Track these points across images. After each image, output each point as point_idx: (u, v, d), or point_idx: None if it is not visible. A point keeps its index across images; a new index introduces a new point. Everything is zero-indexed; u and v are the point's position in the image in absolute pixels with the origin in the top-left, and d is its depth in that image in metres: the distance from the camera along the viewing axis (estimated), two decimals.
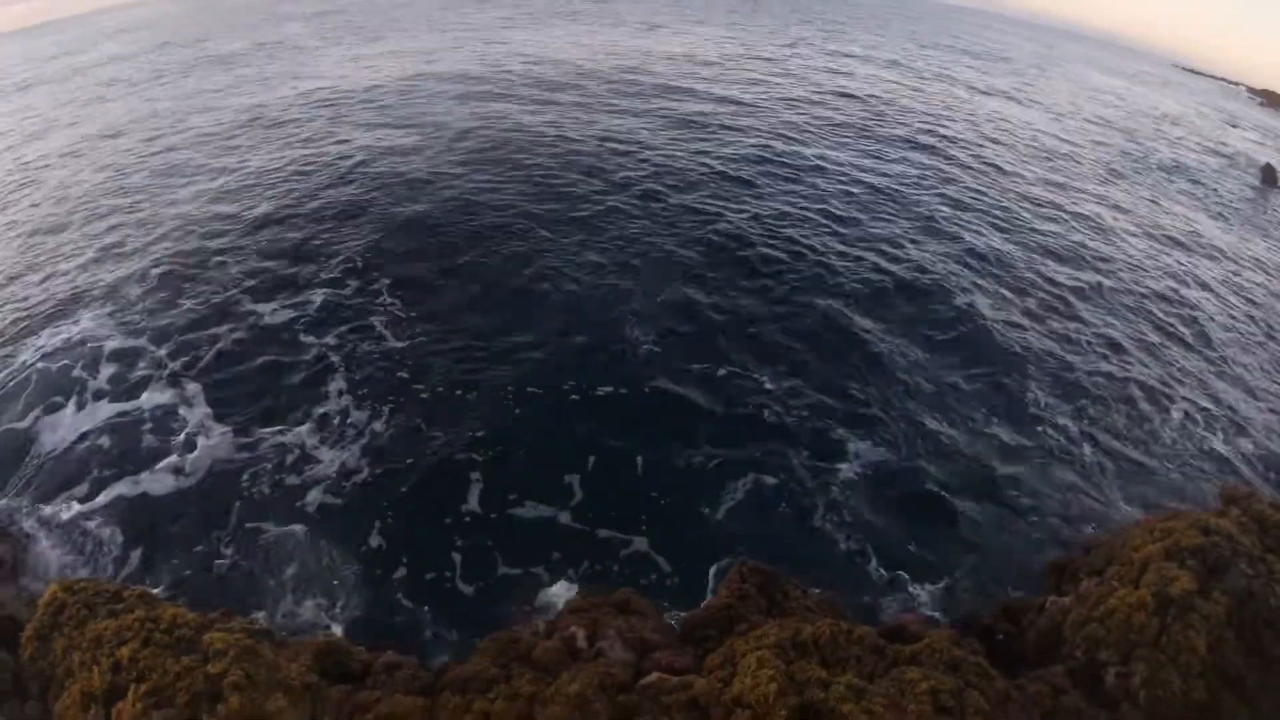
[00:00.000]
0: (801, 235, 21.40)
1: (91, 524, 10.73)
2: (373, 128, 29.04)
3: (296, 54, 46.36)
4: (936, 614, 9.89)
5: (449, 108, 31.75)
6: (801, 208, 23.46)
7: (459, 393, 13.71)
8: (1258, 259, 28.64)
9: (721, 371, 14.95)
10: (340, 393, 13.55)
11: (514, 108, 31.46)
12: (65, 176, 25.48)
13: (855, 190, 25.76)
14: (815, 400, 14.35)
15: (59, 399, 13.34)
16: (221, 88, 37.55)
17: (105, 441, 12.52)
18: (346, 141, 27.22)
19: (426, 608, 9.81)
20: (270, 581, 10.08)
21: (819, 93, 39.59)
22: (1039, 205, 27.96)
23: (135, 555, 10.43)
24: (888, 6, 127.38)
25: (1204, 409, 16.63)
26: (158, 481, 11.66)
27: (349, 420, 12.95)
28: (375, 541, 10.88)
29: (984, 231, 24.08)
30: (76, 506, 11.06)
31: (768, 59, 48.68)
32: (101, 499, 11.35)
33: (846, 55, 56.38)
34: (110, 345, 14.84)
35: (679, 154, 26.71)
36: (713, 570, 10.53)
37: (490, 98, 33.32)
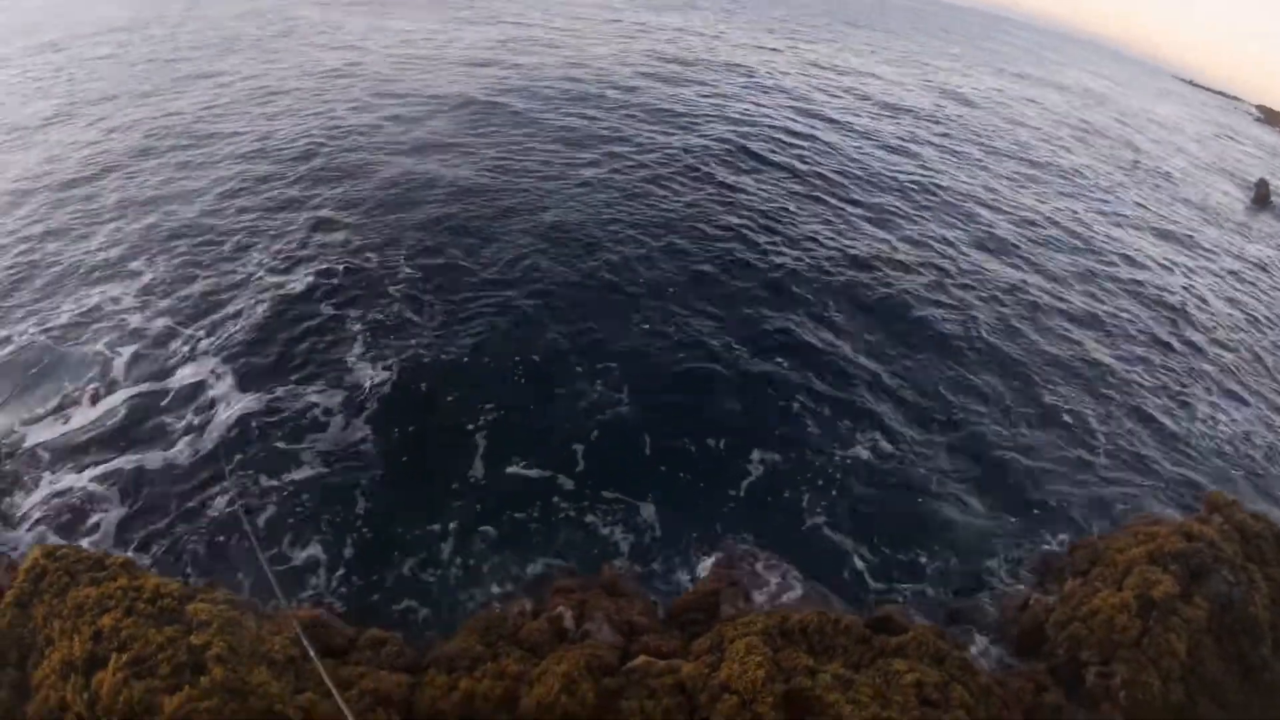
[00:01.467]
0: (823, 228, 21.33)
1: (95, 490, 10.65)
2: (398, 100, 28.68)
3: (319, 24, 45.60)
4: (920, 607, 9.94)
5: (475, 82, 31.51)
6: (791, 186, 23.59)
7: (471, 365, 13.70)
8: (1245, 268, 28.97)
9: (738, 357, 14.98)
10: (357, 361, 13.53)
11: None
12: (87, 140, 24.65)
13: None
14: (825, 391, 14.42)
15: (79, 366, 13.24)
16: (252, 53, 36.83)
17: (123, 407, 12.41)
18: (370, 113, 26.97)
19: (416, 584, 9.73)
20: (266, 551, 9.81)
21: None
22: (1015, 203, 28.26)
23: (129, 522, 10.31)
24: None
25: (1193, 416, 16.80)
26: (163, 450, 11.56)
27: (363, 389, 12.93)
28: (372, 513, 10.84)
29: (964, 228, 24.25)
30: (80, 474, 10.95)
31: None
32: (110, 464, 11.24)
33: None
34: (131, 311, 14.71)
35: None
36: (699, 555, 10.52)
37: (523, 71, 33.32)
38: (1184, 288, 24.57)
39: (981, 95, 52.33)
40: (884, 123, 35.93)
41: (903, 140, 33.18)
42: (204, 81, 31.74)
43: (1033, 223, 26.86)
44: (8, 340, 13.87)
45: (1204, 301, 23.93)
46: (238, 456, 11.43)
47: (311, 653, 4.65)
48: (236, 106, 28.17)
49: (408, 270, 16.47)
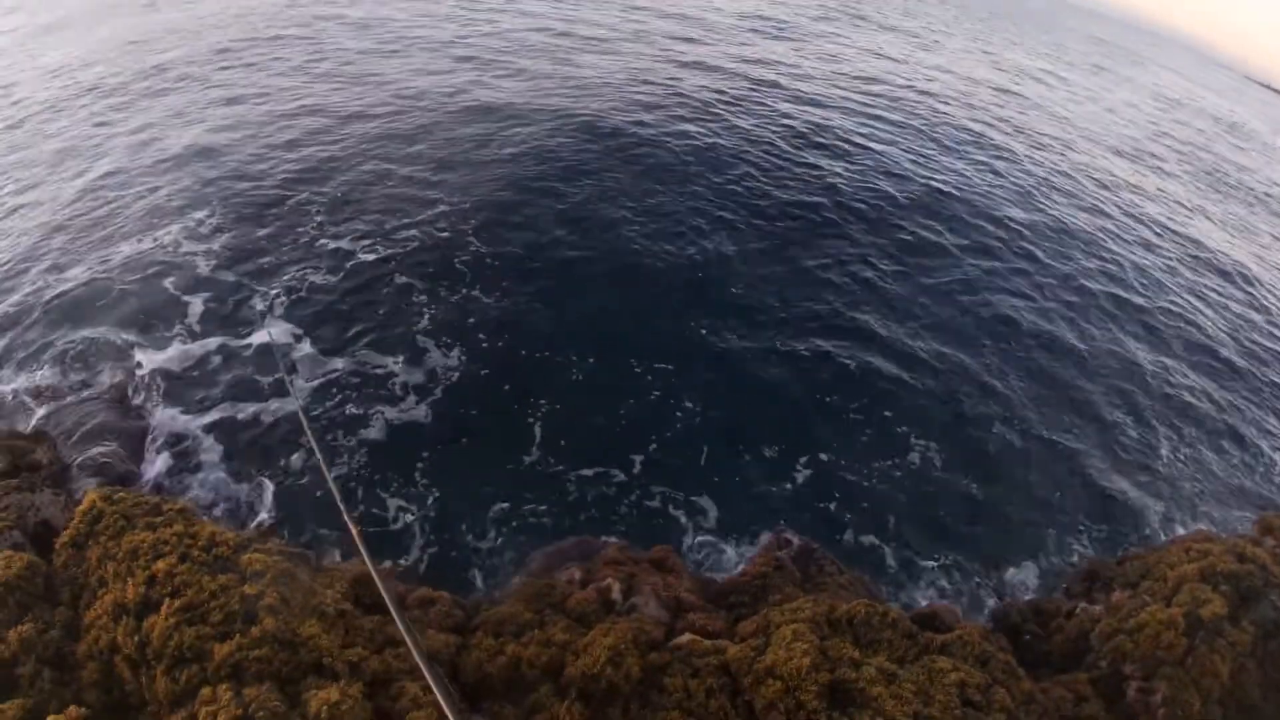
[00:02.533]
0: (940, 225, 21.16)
1: (168, 433, 11.01)
2: (481, 66, 28.28)
3: None
4: (966, 606, 9.86)
5: (551, 61, 30.65)
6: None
7: (533, 349, 13.76)
8: None
9: (807, 350, 14.95)
10: (424, 336, 13.68)
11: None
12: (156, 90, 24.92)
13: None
14: (884, 389, 14.37)
15: (146, 317, 13.57)
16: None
17: (203, 355, 12.80)
18: (448, 78, 26.58)
19: (467, 550, 9.85)
20: (326, 509, 10.24)
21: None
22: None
23: (197, 469, 10.67)
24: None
25: (1262, 433, 16.46)
26: (236, 402, 11.94)
27: (428, 364, 13.08)
28: (429, 482, 11.04)
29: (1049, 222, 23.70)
30: (156, 417, 11.32)
31: None
32: (186, 409, 11.63)
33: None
34: (198, 263, 14.96)
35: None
36: (748, 538, 10.55)
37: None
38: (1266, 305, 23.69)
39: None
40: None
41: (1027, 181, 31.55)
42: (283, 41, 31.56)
43: (1105, 213, 26.26)
44: (78, 278, 14.26)
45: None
46: (314, 413, 11.76)
47: (391, 608, 4.65)
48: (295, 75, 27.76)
49: (477, 245, 16.28)
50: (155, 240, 15.74)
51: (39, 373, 11.52)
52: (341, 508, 5.47)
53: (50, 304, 13.93)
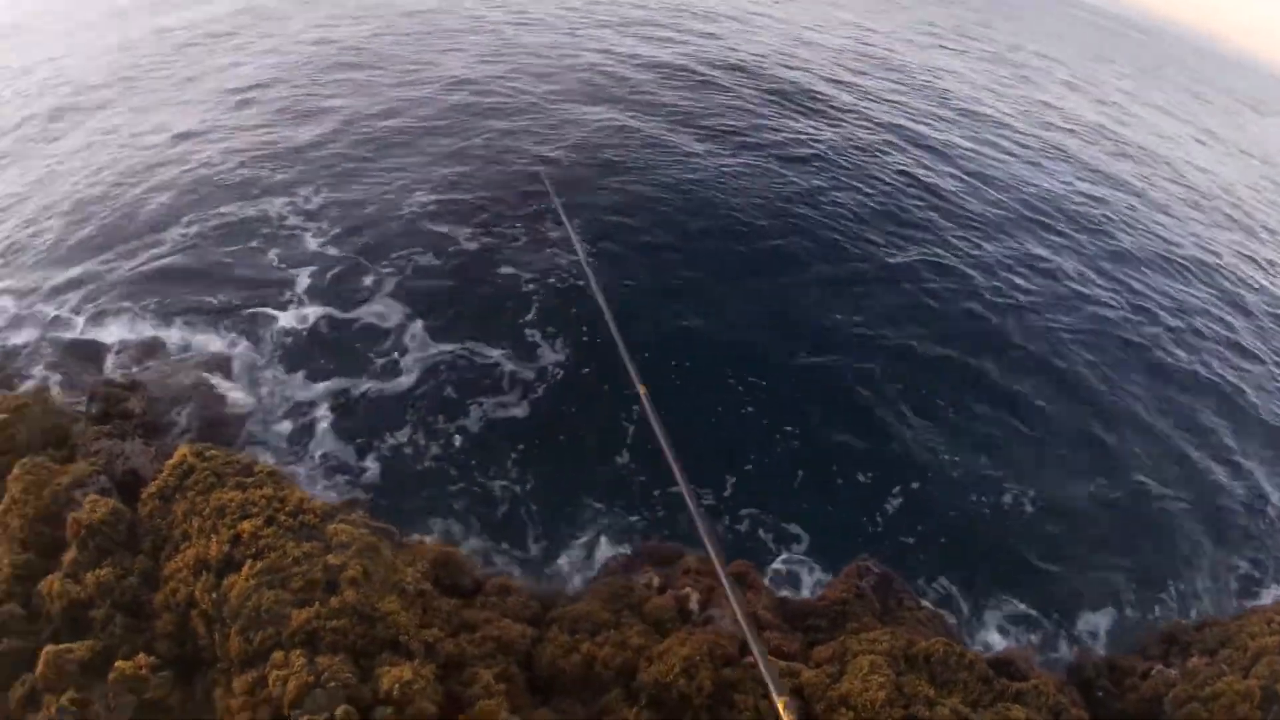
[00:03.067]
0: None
1: (275, 398, 11.33)
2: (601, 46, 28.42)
3: None
4: (1042, 655, 9.65)
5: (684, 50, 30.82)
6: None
7: (634, 350, 13.56)
8: None
9: (913, 381, 14.64)
10: (528, 329, 13.81)
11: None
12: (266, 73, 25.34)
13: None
14: (984, 429, 14.10)
15: (251, 284, 13.92)
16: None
17: (314, 325, 13.16)
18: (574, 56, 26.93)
19: (549, 543, 9.93)
20: (418, 488, 10.52)
21: None
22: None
23: (299, 434, 10.95)
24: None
25: None
26: (350, 377, 12.23)
27: (531, 357, 13.22)
28: (521, 473, 11.17)
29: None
30: (266, 381, 11.65)
31: None
32: (293, 375, 11.95)
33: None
34: (304, 236, 15.29)
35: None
36: (830, 564, 10.42)
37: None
38: None
39: None
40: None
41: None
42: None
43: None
44: (190, 244, 14.71)
45: None
46: (419, 393, 12.02)
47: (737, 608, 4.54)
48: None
49: (589, 242, 16.12)
50: (259, 209, 16.14)
51: (139, 326, 11.86)
52: (686, 496, 5.32)
53: (155, 263, 14.36)
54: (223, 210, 16.02)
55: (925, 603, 9.16)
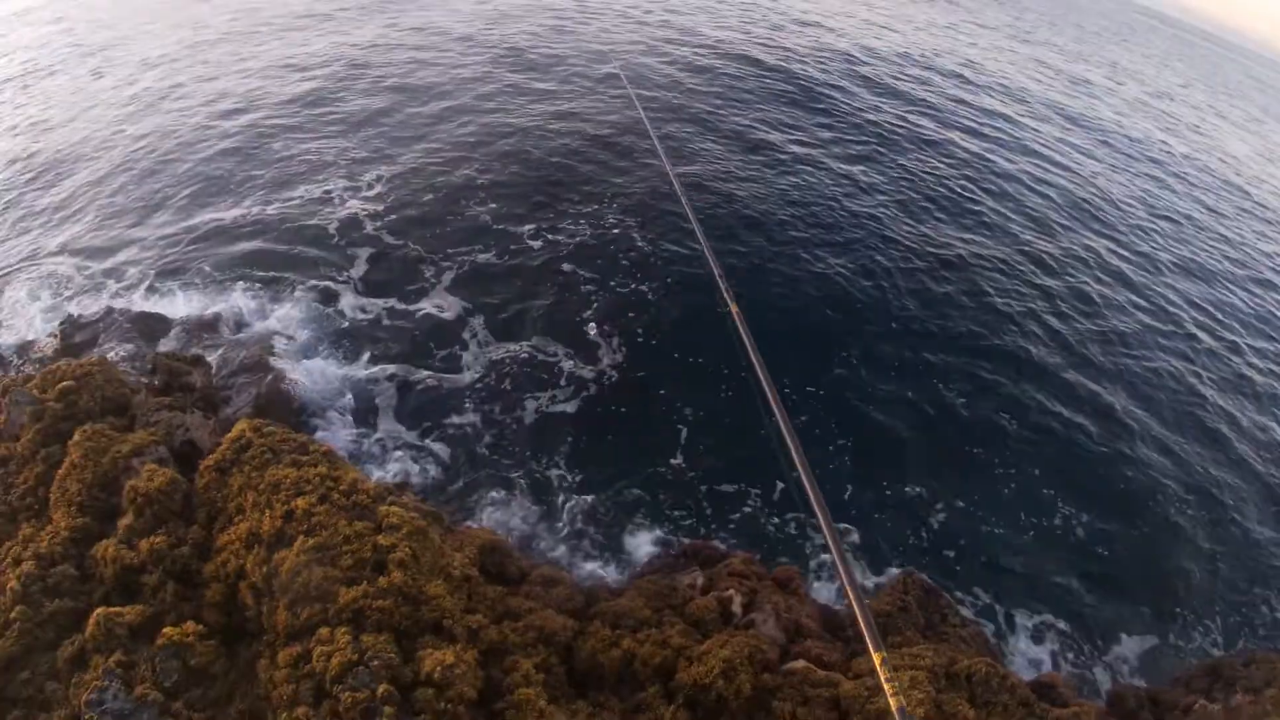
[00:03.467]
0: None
1: (332, 380, 11.55)
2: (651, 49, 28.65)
3: None
4: (1083, 683, 9.48)
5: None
6: None
7: (686, 359, 13.72)
8: None
9: (971, 394, 14.41)
10: (587, 329, 13.93)
11: None
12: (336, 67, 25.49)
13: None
14: (1035, 447, 13.76)
15: (315, 267, 14.27)
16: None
17: (374, 312, 13.44)
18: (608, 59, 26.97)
19: (595, 538, 10.01)
20: (470, 475, 10.68)
21: None
22: None
23: (360, 419, 11.19)
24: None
25: None
26: (409, 365, 12.48)
27: (588, 359, 13.32)
28: (571, 467, 11.29)
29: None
30: (321, 362, 11.90)
31: None
32: (351, 361, 12.21)
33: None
34: (365, 223, 15.55)
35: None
36: (876, 573, 10.39)
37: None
38: None
39: None
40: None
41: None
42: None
43: None
44: (252, 220, 15.09)
45: None
46: (478, 387, 12.20)
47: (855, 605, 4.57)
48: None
49: (642, 244, 16.16)
50: (321, 189, 16.52)
51: (202, 301, 12.21)
52: (815, 506, 5.27)
53: (217, 236, 14.80)
54: (285, 186, 16.45)
55: (969, 617, 9.06)
